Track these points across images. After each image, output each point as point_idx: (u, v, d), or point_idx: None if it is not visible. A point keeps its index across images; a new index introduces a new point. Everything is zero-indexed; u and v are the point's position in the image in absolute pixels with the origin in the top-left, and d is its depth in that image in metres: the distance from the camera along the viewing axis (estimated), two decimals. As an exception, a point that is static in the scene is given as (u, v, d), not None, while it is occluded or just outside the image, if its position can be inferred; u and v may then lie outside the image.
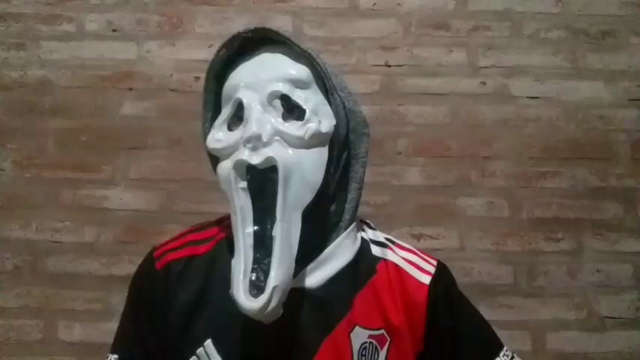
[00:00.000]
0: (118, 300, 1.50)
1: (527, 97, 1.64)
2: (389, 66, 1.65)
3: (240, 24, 1.65)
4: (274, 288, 0.61)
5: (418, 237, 1.56)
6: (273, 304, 0.61)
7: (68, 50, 1.65)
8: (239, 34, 0.73)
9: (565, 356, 1.51)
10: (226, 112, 0.73)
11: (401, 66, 1.65)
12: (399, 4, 1.68)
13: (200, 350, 0.69)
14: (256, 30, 0.72)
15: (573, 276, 1.55)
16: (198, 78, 1.63)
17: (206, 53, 1.64)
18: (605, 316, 1.53)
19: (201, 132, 0.77)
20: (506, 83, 1.64)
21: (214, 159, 0.75)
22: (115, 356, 0.75)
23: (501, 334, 1.53)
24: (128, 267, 1.51)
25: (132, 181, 1.59)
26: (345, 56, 1.62)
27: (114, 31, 1.66)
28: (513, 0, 1.67)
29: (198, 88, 1.68)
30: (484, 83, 1.64)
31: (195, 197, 1.57)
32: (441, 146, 1.61)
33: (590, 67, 1.65)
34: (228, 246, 0.74)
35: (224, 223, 0.78)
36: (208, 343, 0.69)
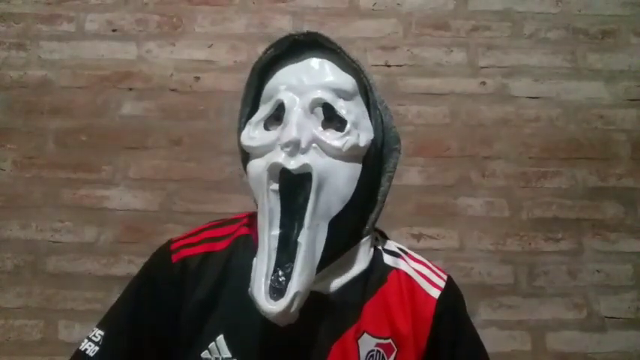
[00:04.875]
0: (118, 300, 1.50)
1: (527, 97, 1.64)
2: (389, 66, 1.65)
3: (240, 24, 1.66)
4: (295, 294, 0.62)
5: (418, 237, 1.56)
6: (292, 309, 0.62)
7: (68, 50, 1.65)
8: (290, 35, 0.73)
9: (565, 356, 1.51)
10: (265, 110, 0.72)
11: (401, 66, 1.65)
12: (399, 4, 1.68)
13: (212, 345, 0.70)
14: (308, 34, 0.73)
15: (573, 276, 1.55)
16: (198, 78, 1.63)
17: (206, 53, 1.64)
18: (605, 316, 1.53)
19: (237, 126, 0.77)
20: (506, 83, 1.64)
21: (245, 155, 0.75)
22: (101, 332, 0.75)
23: (501, 334, 1.54)
24: (128, 267, 1.52)
25: (132, 181, 1.58)
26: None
27: (114, 31, 1.66)
28: (513, 0, 1.67)
29: (199, 88, 1.70)
30: (484, 83, 1.64)
31: (195, 197, 1.57)
32: (441, 146, 1.61)
33: (590, 67, 1.65)
34: (246, 244, 0.75)
35: (243, 222, 0.79)
36: (220, 338, 0.70)
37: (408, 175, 1.59)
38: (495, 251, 1.56)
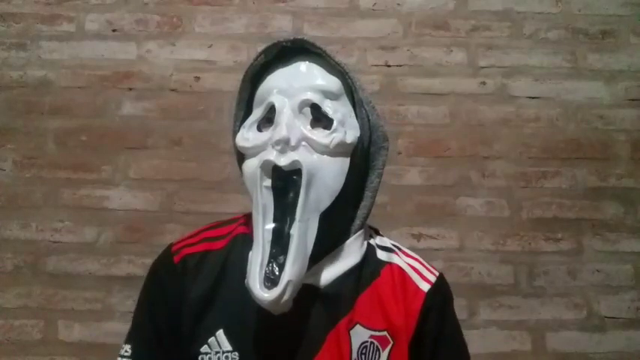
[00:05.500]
0: (118, 300, 1.50)
1: (527, 97, 1.64)
2: (389, 66, 1.65)
3: (240, 24, 1.66)
4: (288, 282, 0.65)
5: (418, 237, 1.56)
6: (285, 297, 0.65)
7: (68, 50, 1.65)
8: (279, 42, 0.77)
9: (565, 356, 1.51)
10: (257, 113, 0.77)
11: (401, 66, 1.65)
12: (399, 4, 1.68)
13: (212, 339, 0.72)
14: (295, 41, 0.77)
15: (573, 276, 1.55)
16: (198, 78, 1.63)
17: (206, 53, 1.64)
18: (605, 316, 1.53)
19: (231, 129, 0.81)
20: (506, 83, 1.64)
21: (240, 156, 0.79)
22: (129, 346, 0.77)
23: (501, 334, 1.54)
24: (128, 267, 1.52)
25: (132, 181, 1.59)
26: (345, 56, 1.62)
27: (114, 31, 1.66)
28: (513, 0, 1.67)
29: (199, 88, 1.71)
30: (484, 83, 1.64)
31: (195, 197, 1.57)
32: (441, 146, 1.61)
33: (590, 67, 1.65)
34: (243, 242, 0.78)
35: (240, 221, 0.83)
36: (220, 332, 0.72)
37: (408, 175, 1.59)
38: (495, 251, 1.56)
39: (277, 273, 0.66)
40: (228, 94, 1.57)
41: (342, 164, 0.74)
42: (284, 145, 0.70)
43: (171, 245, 0.81)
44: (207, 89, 1.63)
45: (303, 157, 0.70)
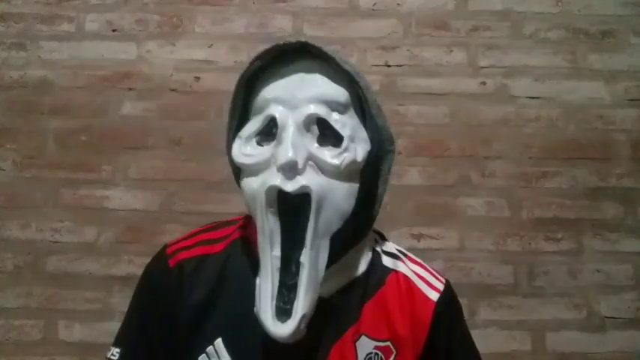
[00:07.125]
0: (118, 300, 1.50)
1: (527, 97, 1.64)
2: (389, 66, 1.65)
3: (240, 24, 1.66)
4: (303, 316, 0.62)
5: (418, 237, 1.56)
6: (300, 330, 0.62)
7: (68, 50, 1.65)
8: (278, 45, 0.70)
9: (565, 356, 1.51)
10: (255, 124, 0.70)
11: (401, 66, 1.65)
12: (399, 4, 1.68)
13: (210, 348, 0.70)
14: (297, 43, 0.70)
15: (573, 276, 1.55)
16: (198, 78, 1.63)
17: (206, 53, 1.64)
18: (605, 316, 1.53)
19: (225, 140, 0.75)
20: (506, 83, 1.64)
21: (238, 169, 0.73)
22: (117, 350, 0.75)
23: (501, 334, 1.54)
24: (128, 267, 1.52)
25: (132, 181, 1.59)
26: (345, 56, 1.61)
27: (114, 31, 1.66)
28: (513, 0, 1.67)
29: (199, 88, 1.70)
30: (484, 83, 1.64)
31: (195, 197, 1.57)
32: (441, 146, 1.61)
33: (590, 67, 1.65)
34: (242, 248, 0.75)
35: (239, 224, 0.79)
36: (218, 341, 0.70)
37: (408, 175, 1.59)
38: (495, 251, 1.56)
39: (289, 303, 0.63)
40: (228, 94, 1.56)
41: (353, 184, 0.68)
42: (290, 169, 0.64)
43: (165, 247, 0.77)
44: (207, 89, 1.63)
45: (311, 180, 0.64)
